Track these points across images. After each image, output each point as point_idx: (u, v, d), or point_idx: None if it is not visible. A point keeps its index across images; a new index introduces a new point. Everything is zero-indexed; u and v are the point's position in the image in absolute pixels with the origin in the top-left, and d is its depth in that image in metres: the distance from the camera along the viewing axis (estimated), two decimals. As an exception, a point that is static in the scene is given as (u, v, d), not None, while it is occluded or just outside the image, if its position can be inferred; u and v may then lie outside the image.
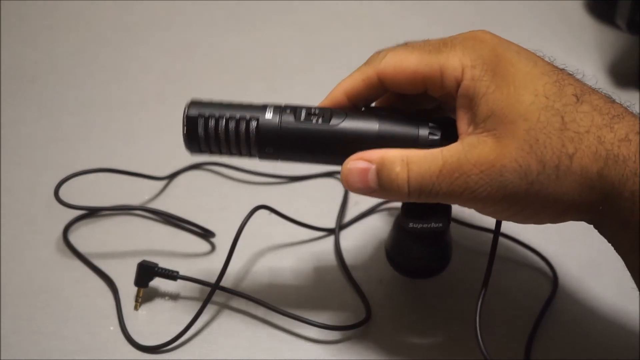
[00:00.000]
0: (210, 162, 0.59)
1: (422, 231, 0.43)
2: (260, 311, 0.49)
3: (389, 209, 0.56)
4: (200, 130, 0.42)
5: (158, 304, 0.50)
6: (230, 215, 0.51)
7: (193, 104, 0.43)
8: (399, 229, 0.47)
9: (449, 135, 0.40)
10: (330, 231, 0.55)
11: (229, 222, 0.50)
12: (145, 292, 0.49)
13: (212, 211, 0.56)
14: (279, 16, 0.78)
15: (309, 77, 0.69)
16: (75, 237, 0.54)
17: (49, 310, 0.49)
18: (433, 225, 0.43)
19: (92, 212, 0.55)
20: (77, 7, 0.78)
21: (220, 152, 0.43)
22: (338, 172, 0.55)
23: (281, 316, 0.48)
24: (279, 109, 0.42)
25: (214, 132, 0.42)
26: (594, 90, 0.38)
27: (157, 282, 0.50)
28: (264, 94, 0.67)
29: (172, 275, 0.49)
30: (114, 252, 0.53)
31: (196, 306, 0.48)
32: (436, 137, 0.41)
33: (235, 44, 0.74)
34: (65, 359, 0.46)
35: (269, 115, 0.41)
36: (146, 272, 0.49)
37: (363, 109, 0.44)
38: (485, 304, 0.41)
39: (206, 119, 0.42)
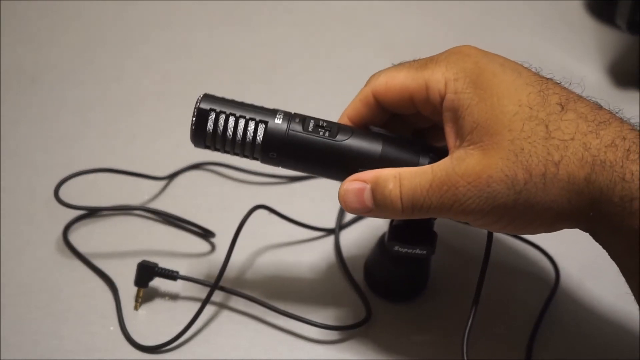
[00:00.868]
0: (211, 162, 0.59)
1: (405, 256, 0.44)
2: (260, 311, 0.49)
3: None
4: (210, 124, 0.42)
5: (158, 304, 0.50)
6: (231, 215, 0.51)
7: (206, 97, 0.43)
8: (381, 250, 0.48)
9: None
10: (330, 231, 0.55)
11: (229, 222, 0.50)
12: (145, 292, 0.49)
13: (212, 211, 0.56)
14: (279, 16, 0.78)
15: (309, 77, 0.69)
16: (75, 237, 0.54)
17: (49, 310, 0.49)
18: (418, 251, 0.44)
19: (92, 212, 0.55)
20: (77, 7, 0.78)
21: (224, 149, 0.43)
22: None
23: (281, 316, 0.48)
24: (289, 116, 0.42)
25: (223, 128, 0.42)
26: (580, 98, 0.38)
27: (157, 282, 0.50)
28: (264, 94, 0.67)
29: (172, 275, 0.49)
30: (114, 252, 0.53)
31: (196, 306, 0.48)
32: None
33: (236, 44, 0.74)
34: (65, 359, 0.46)
35: (278, 120, 0.42)
36: (146, 272, 0.49)
37: (372, 128, 0.44)
38: (485, 304, 0.41)
39: (217, 114, 0.42)
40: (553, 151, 0.36)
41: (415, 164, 0.41)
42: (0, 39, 0.73)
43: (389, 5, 0.79)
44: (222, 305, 0.50)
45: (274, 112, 0.42)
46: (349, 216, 0.56)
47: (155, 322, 0.49)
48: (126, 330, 0.48)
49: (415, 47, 0.72)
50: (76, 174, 0.55)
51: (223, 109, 0.42)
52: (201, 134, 0.42)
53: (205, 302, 0.47)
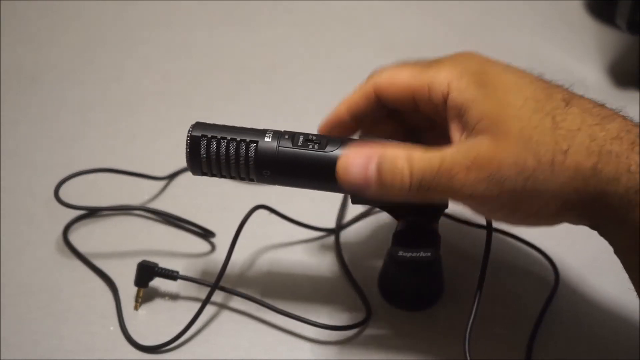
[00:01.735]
0: (210, 162, 0.59)
1: (410, 260, 0.44)
2: (260, 311, 0.49)
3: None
4: (203, 150, 0.43)
5: (158, 304, 0.50)
6: (231, 215, 0.51)
7: (197, 125, 0.44)
8: (390, 260, 0.48)
9: None
10: (330, 231, 0.55)
11: (229, 222, 0.50)
12: (145, 292, 0.49)
13: (212, 211, 0.56)
14: (279, 16, 0.78)
15: (309, 77, 0.69)
16: (75, 237, 0.54)
17: (49, 310, 0.49)
18: (422, 254, 0.44)
19: (92, 212, 0.55)
20: (77, 7, 0.78)
21: (220, 174, 0.44)
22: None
23: (281, 316, 0.48)
24: (278, 134, 0.43)
25: (216, 152, 0.43)
26: (582, 97, 0.39)
27: (157, 282, 0.50)
28: (264, 94, 0.67)
29: (172, 275, 0.49)
30: (114, 252, 0.53)
31: (196, 306, 0.48)
32: None
33: (236, 44, 0.74)
34: (65, 359, 0.46)
35: (267, 139, 0.43)
36: (146, 272, 0.49)
37: (359, 136, 0.46)
38: (485, 304, 0.41)
39: (209, 140, 0.43)
40: (561, 140, 0.36)
41: None
42: (0, 39, 0.73)
43: (389, 5, 0.79)
44: (222, 305, 0.50)
45: (263, 132, 0.43)
46: (349, 216, 0.56)
47: (155, 322, 0.49)
48: (126, 330, 0.48)
49: (415, 47, 0.73)
50: (76, 174, 0.55)
51: (214, 134, 0.43)
52: (196, 161, 0.44)
53: (205, 302, 0.47)
